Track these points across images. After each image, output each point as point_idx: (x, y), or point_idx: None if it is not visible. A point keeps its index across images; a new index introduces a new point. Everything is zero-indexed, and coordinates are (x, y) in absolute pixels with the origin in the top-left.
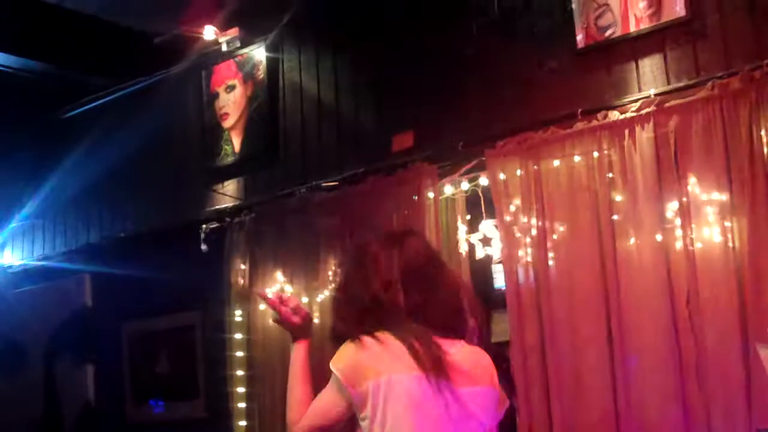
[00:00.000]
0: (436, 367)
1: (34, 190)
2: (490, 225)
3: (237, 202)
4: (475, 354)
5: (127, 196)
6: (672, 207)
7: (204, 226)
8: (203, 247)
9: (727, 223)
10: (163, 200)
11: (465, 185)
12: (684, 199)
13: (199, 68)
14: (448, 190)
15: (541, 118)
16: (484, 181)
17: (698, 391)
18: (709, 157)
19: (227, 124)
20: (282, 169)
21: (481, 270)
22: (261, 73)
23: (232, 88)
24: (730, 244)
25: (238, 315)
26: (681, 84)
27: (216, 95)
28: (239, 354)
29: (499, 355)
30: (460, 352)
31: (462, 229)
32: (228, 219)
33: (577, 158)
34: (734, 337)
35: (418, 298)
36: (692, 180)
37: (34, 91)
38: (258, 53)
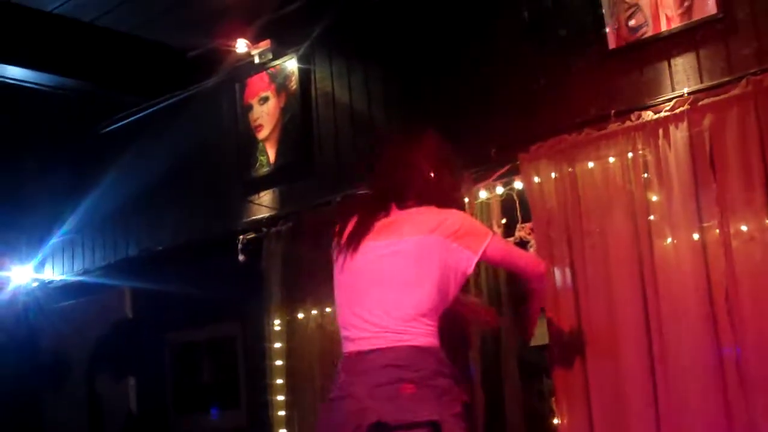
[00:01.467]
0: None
1: (73, 206)
2: (525, 228)
3: (273, 212)
4: (416, 214)
5: (164, 210)
6: (708, 205)
7: (241, 237)
8: (241, 257)
9: (766, 221)
10: (201, 212)
11: (500, 189)
12: (721, 198)
13: (233, 81)
14: (483, 194)
15: (574, 120)
16: (518, 185)
17: (739, 390)
18: (745, 154)
19: (262, 135)
20: (317, 179)
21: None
22: (294, 84)
23: (265, 99)
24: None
25: (276, 324)
26: (714, 82)
27: (250, 107)
28: (278, 363)
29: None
30: (400, 215)
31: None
32: (265, 229)
33: (611, 159)
34: None
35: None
36: (729, 178)
37: (71, 108)
38: (290, 64)
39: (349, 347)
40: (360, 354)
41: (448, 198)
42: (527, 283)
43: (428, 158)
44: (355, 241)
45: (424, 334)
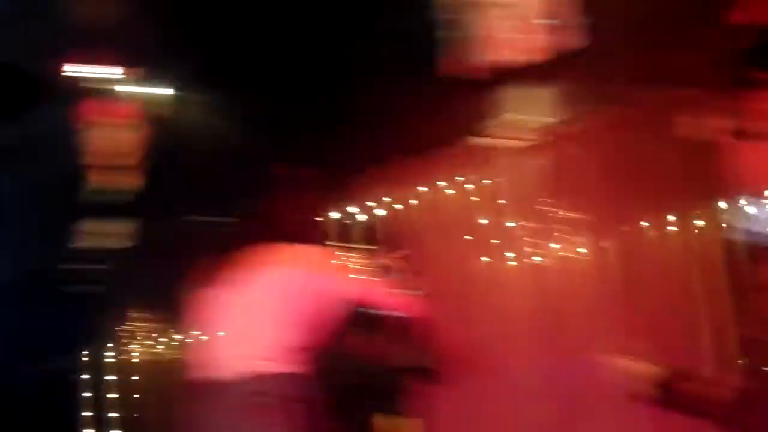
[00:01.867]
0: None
1: None
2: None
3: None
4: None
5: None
6: (540, 227)
7: (70, 267)
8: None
9: (596, 241)
10: (27, 245)
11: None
12: (552, 219)
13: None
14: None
15: (416, 146)
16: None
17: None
18: (580, 176)
19: (105, 161)
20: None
21: None
22: (158, 111)
23: (119, 126)
24: (600, 261)
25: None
26: (555, 112)
27: (101, 131)
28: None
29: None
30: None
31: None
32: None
33: (452, 182)
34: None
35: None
36: (561, 201)
37: None
38: (156, 91)
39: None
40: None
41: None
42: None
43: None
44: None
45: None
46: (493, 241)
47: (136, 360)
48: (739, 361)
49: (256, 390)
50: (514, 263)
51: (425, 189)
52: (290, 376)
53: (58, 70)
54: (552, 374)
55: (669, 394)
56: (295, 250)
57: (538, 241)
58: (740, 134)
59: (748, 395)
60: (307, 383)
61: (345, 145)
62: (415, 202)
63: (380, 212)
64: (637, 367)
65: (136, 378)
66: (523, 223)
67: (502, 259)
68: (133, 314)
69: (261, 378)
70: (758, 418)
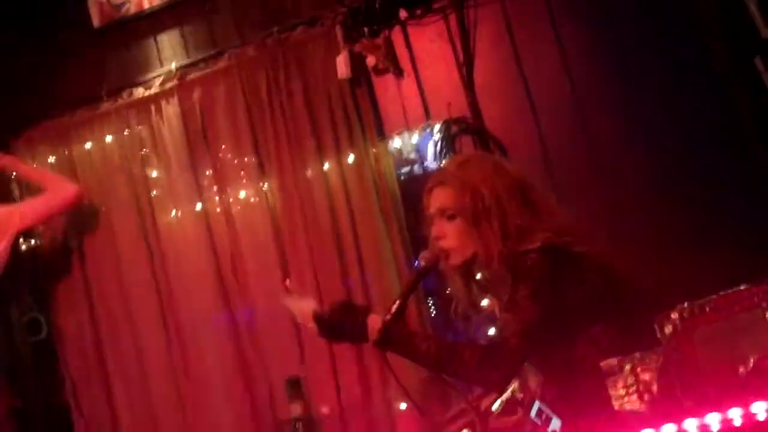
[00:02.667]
0: None
1: None
2: None
3: None
4: None
5: None
6: (207, 175)
7: None
8: None
9: (261, 184)
10: None
11: None
12: (217, 166)
13: None
14: None
15: (66, 102)
16: None
17: (252, 350)
18: (235, 123)
19: None
20: None
21: None
22: None
23: None
24: (265, 204)
25: None
26: (200, 57)
27: None
28: None
29: None
30: None
31: None
32: None
33: (108, 139)
34: (278, 283)
35: None
36: (222, 147)
37: None
38: None
39: None
40: None
41: None
42: None
43: None
44: None
45: None
46: (157, 193)
47: None
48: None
49: None
50: (185, 213)
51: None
52: None
53: None
54: (231, 320)
55: (332, 329)
56: None
57: (209, 188)
58: (381, 70)
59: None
60: None
61: None
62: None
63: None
64: (304, 305)
65: None
66: (188, 171)
67: (173, 209)
68: None
69: None
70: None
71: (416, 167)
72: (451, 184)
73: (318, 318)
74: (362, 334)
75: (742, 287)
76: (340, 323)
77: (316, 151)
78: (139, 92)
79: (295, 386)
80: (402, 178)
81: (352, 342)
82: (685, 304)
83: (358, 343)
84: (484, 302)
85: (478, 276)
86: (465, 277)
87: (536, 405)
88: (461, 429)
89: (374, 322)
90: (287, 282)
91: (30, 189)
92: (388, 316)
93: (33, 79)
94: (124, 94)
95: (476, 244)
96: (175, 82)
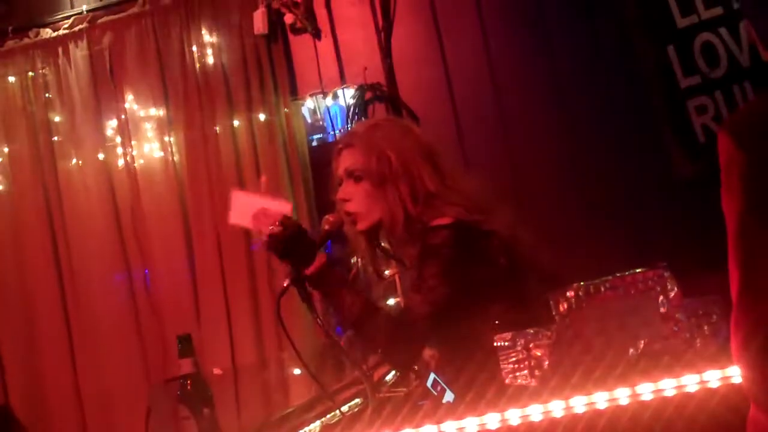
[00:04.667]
0: None
1: None
2: None
3: None
4: None
5: None
6: (112, 125)
7: None
8: None
9: (167, 138)
10: None
11: None
12: (123, 117)
13: None
14: None
15: None
16: None
17: (149, 310)
18: (145, 73)
19: None
20: None
21: None
22: None
23: None
24: (170, 158)
25: None
26: (113, 0)
27: None
28: None
29: None
30: None
31: None
32: None
33: (11, 79)
34: (179, 241)
35: None
36: (130, 97)
37: None
38: None
39: None
40: None
41: None
42: None
43: None
44: None
45: None
46: (59, 139)
47: None
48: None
49: None
50: (87, 162)
51: None
52: None
53: None
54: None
55: (292, 242)
56: None
57: (113, 138)
58: (299, 29)
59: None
60: None
61: None
62: None
63: None
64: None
65: None
66: (92, 119)
67: (75, 158)
68: None
69: None
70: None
71: (328, 133)
72: (359, 147)
73: (288, 222)
74: (309, 259)
75: (637, 270)
76: (301, 239)
77: (227, 107)
78: (47, 33)
79: (185, 343)
80: (313, 143)
81: (295, 264)
82: (581, 283)
83: (300, 267)
84: (387, 271)
85: (383, 243)
86: (370, 242)
87: (432, 376)
88: (353, 397)
89: (320, 257)
90: (263, 179)
91: None
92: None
93: None
94: (31, 34)
95: (382, 209)
96: (85, 24)
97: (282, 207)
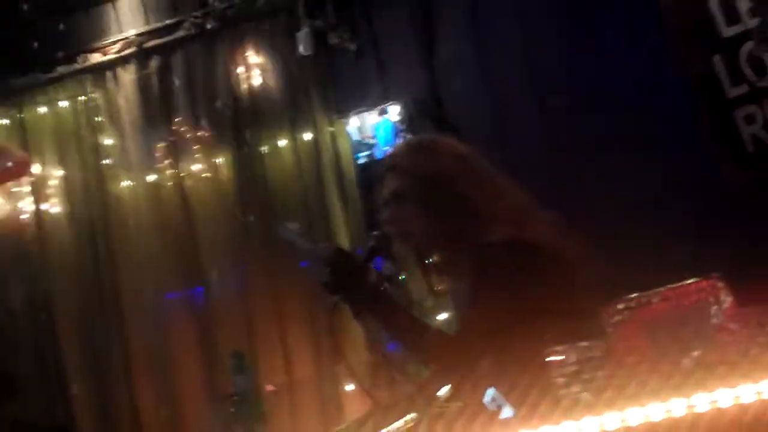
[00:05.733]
0: None
1: None
2: None
3: None
4: None
5: None
6: (161, 147)
7: None
8: None
9: (215, 159)
10: None
11: None
12: (171, 138)
13: None
14: None
15: (21, 64)
16: None
17: (203, 319)
18: (192, 95)
19: None
20: None
21: None
22: None
23: None
24: (218, 179)
25: None
26: (159, 24)
27: None
28: None
29: None
30: None
31: None
32: None
33: (63, 104)
34: (231, 259)
35: None
36: (178, 119)
37: None
38: None
39: None
40: None
41: None
42: None
43: None
44: None
45: None
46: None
47: None
48: None
49: None
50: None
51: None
52: None
53: None
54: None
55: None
56: None
57: (162, 159)
58: (342, 48)
59: None
60: None
61: None
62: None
63: None
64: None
65: None
66: (142, 141)
67: (126, 179)
68: None
69: None
70: None
71: (374, 150)
72: (402, 169)
73: (342, 254)
74: (358, 286)
75: (690, 281)
76: (350, 272)
77: (272, 127)
78: (96, 58)
79: (238, 360)
80: (360, 161)
81: (348, 296)
82: (633, 295)
83: (352, 295)
84: (438, 287)
85: (433, 259)
86: (419, 259)
87: (490, 391)
88: (408, 412)
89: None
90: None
91: None
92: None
93: None
94: (80, 59)
95: (429, 228)
96: (133, 49)
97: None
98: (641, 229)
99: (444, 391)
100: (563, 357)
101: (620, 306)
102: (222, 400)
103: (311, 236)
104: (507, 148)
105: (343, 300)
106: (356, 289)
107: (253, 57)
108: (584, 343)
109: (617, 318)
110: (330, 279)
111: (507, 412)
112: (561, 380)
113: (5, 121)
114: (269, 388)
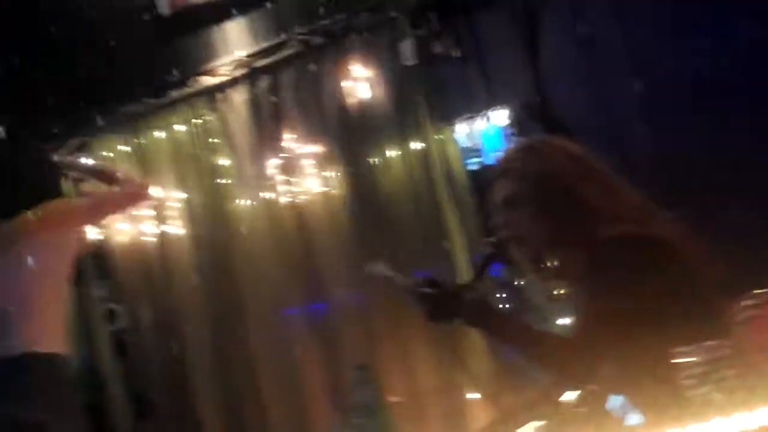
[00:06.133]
0: None
1: None
2: None
3: None
4: None
5: None
6: (274, 164)
7: None
8: None
9: (327, 173)
10: None
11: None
12: (285, 156)
13: None
14: None
15: (135, 91)
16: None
17: (324, 333)
18: (303, 110)
19: None
20: None
21: None
22: None
23: None
24: (332, 193)
25: None
26: (267, 44)
27: None
28: None
29: None
30: None
31: None
32: None
33: (179, 127)
34: (348, 272)
35: None
36: (289, 135)
37: None
38: None
39: None
40: None
41: None
42: None
43: None
44: None
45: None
46: (226, 181)
47: None
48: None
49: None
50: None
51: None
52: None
53: None
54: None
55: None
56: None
57: (276, 177)
58: (446, 56)
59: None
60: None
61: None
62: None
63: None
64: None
65: None
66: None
67: (242, 198)
68: None
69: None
70: None
71: (484, 156)
72: (513, 173)
73: (433, 284)
74: (457, 308)
75: None
76: (448, 296)
77: (382, 139)
78: (206, 80)
79: (362, 373)
80: (471, 167)
81: (448, 320)
82: (761, 291)
83: (452, 317)
84: (556, 290)
85: (550, 263)
86: (535, 264)
87: (616, 397)
88: (533, 419)
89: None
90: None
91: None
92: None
93: (104, 71)
94: (192, 82)
95: (544, 231)
96: (243, 69)
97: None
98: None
99: (569, 397)
100: (690, 358)
101: (747, 303)
102: (347, 413)
103: (426, 249)
104: (618, 148)
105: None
106: (455, 314)
107: (359, 70)
108: (711, 343)
109: (744, 315)
110: (427, 310)
111: (633, 418)
112: (689, 382)
113: (126, 148)
114: (394, 399)
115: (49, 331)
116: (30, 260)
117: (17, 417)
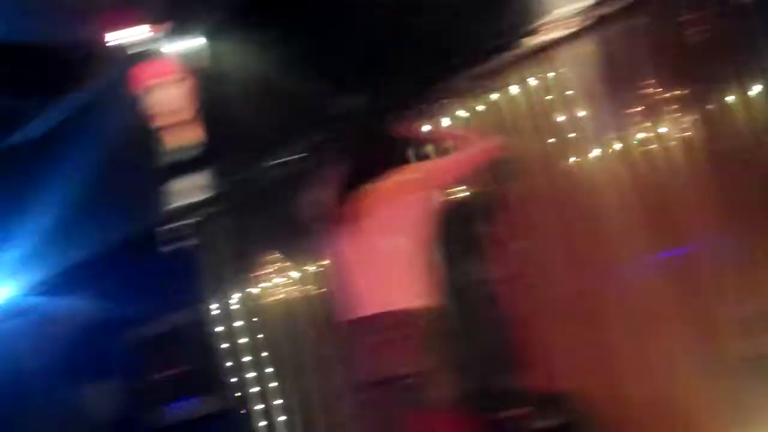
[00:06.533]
0: None
1: None
2: None
3: (202, 196)
4: None
5: (89, 216)
6: (629, 112)
7: (167, 227)
8: (168, 247)
9: (679, 120)
10: (126, 211)
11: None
12: (645, 102)
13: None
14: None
15: (484, 49)
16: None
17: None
18: (657, 57)
19: (165, 121)
20: (236, 155)
21: None
22: (201, 63)
23: (169, 84)
24: (684, 140)
25: (233, 303)
26: None
27: (150, 95)
28: (244, 340)
29: None
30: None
31: None
32: (194, 214)
33: (514, 89)
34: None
35: None
36: (646, 81)
37: None
38: (194, 43)
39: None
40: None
41: None
42: None
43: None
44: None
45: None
46: (575, 135)
47: (269, 303)
48: None
49: (396, 326)
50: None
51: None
52: (423, 310)
53: (94, 42)
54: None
55: None
56: (392, 179)
57: (633, 125)
58: None
59: None
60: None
61: (397, 68)
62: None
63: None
64: None
65: (270, 320)
66: (614, 109)
67: (592, 152)
68: (254, 259)
69: (400, 314)
70: None
71: None
72: None
73: None
74: None
75: None
76: None
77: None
78: (553, 33)
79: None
80: None
81: None
82: None
83: None
84: None
85: None
86: None
87: None
88: None
89: None
90: None
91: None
92: None
93: (452, 26)
94: (522, 44)
95: None
96: (593, 18)
97: None
98: None
99: None
100: None
101: None
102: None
103: None
104: None
105: None
106: None
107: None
108: None
109: None
110: None
111: None
112: None
113: (480, 107)
114: None
115: (416, 288)
116: (394, 222)
117: None
